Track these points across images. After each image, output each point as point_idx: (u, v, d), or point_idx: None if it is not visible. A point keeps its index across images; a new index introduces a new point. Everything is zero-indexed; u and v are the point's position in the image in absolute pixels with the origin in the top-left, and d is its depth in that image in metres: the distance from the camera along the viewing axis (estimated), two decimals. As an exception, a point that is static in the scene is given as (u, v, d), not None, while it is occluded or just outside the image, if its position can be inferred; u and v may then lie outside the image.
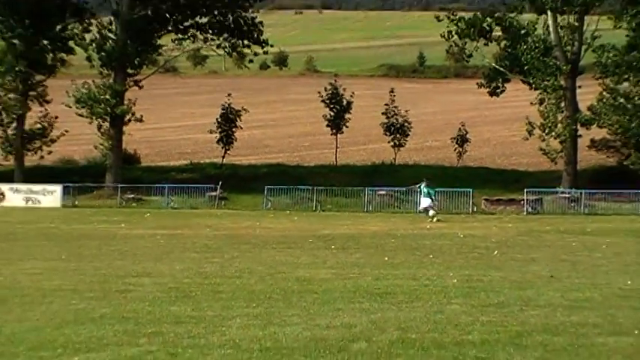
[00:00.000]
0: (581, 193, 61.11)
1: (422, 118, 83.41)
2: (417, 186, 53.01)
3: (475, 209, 59.42)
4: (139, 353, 14.05)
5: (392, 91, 75.36)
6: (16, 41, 65.57)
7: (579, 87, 66.38)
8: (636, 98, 64.18)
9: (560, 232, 42.42)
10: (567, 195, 62.38)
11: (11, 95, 66.36)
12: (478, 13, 69.75)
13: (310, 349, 14.48)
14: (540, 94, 65.86)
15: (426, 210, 51.68)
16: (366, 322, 17.02)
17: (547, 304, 19.39)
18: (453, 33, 67.63)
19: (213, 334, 15.65)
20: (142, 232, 40.43)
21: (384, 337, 15.42)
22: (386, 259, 29.30)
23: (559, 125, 64.27)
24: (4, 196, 60.51)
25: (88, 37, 67.67)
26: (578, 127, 64.92)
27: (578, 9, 64.37)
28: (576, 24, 65.26)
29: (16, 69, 65.37)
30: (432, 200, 52.18)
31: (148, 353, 14.03)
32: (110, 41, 66.48)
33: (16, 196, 60.48)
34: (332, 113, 74.50)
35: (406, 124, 75.22)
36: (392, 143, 74.96)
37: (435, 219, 49.82)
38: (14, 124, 66.72)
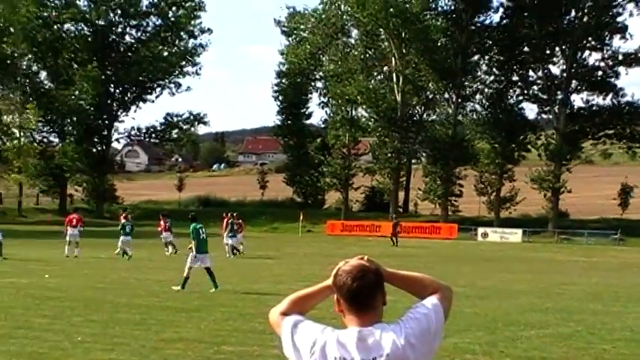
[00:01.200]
0: None
1: None
2: None
3: None
4: (569, 331, 13.56)
5: None
6: (496, 145, 65.95)
7: None
8: None
9: None
10: None
11: (493, 176, 66.66)
12: None
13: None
14: None
15: None
16: None
17: None
18: None
19: (616, 322, 14.76)
20: (568, 259, 38.86)
21: None
22: None
23: None
24: (487, 235, 60.29)
25: (539, 142, 66.60)
26: None
27: None
28: None
29: (496, 161, 65.77)
30: None
31: (575, 332, 13.50)
32: (552, 145, 65.15)
33: (494, 235, 60.05)
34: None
35: None
36: None
37: None
38: (494, 194, 66.93)
